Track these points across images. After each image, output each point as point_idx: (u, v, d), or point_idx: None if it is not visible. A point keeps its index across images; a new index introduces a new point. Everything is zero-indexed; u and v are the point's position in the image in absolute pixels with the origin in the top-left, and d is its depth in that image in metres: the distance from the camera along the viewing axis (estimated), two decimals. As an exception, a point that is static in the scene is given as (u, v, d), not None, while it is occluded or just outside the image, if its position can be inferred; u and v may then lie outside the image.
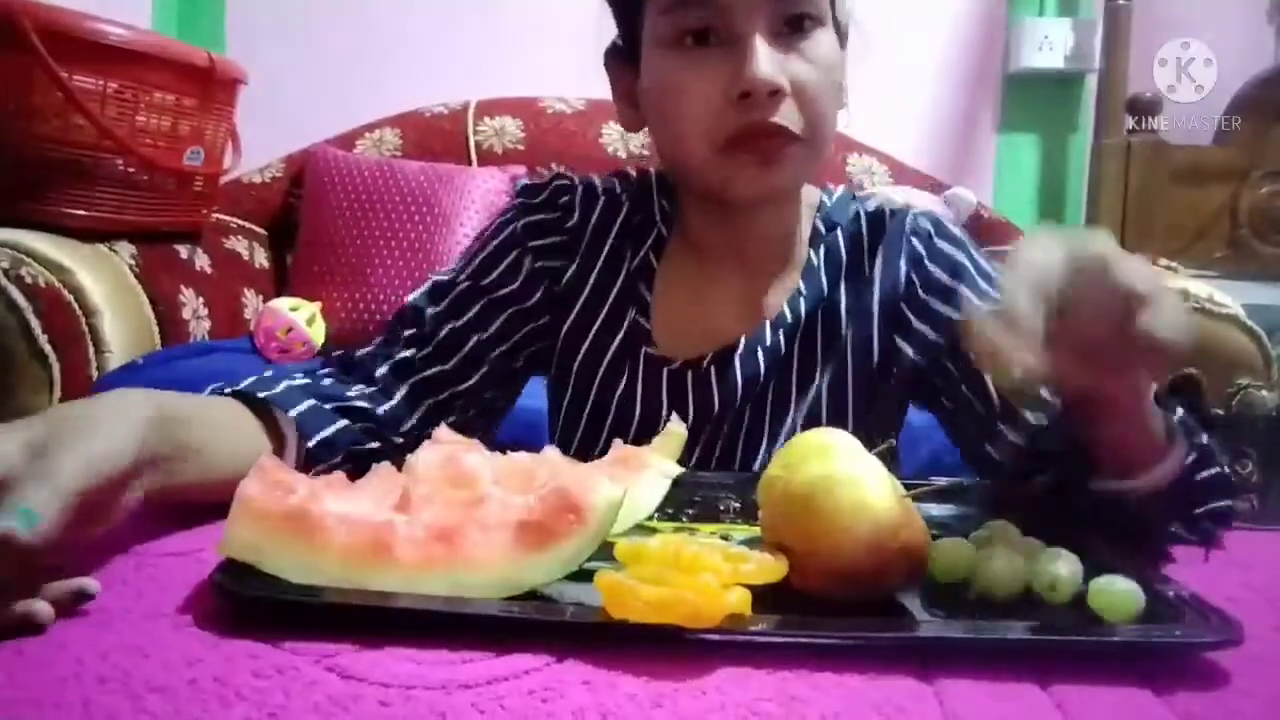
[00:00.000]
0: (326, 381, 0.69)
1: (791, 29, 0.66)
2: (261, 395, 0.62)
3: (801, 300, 0.76)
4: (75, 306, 1.45)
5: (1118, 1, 2.15)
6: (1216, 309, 1.42)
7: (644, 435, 0.71)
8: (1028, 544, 0.48)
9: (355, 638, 0.39)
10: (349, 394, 0.69)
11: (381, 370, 0.71)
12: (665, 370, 0.75)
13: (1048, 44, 2.31)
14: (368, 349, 0.73)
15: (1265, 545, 0.62)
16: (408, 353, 0.72)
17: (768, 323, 0.75)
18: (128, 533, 0.50)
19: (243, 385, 0.63)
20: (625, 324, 0.77)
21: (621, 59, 0.75)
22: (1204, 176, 2.14)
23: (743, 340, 0.75)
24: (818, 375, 0.76)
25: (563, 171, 0.81)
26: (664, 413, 0.74)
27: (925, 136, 2.38)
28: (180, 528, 0.52)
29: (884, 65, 2.36)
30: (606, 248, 0.77)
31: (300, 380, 0.67)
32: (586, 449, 0.77)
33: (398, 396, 0.70)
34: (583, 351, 0.77)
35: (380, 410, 0.69)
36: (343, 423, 0.65)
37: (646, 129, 0.74)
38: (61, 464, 0.41)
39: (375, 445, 0.67)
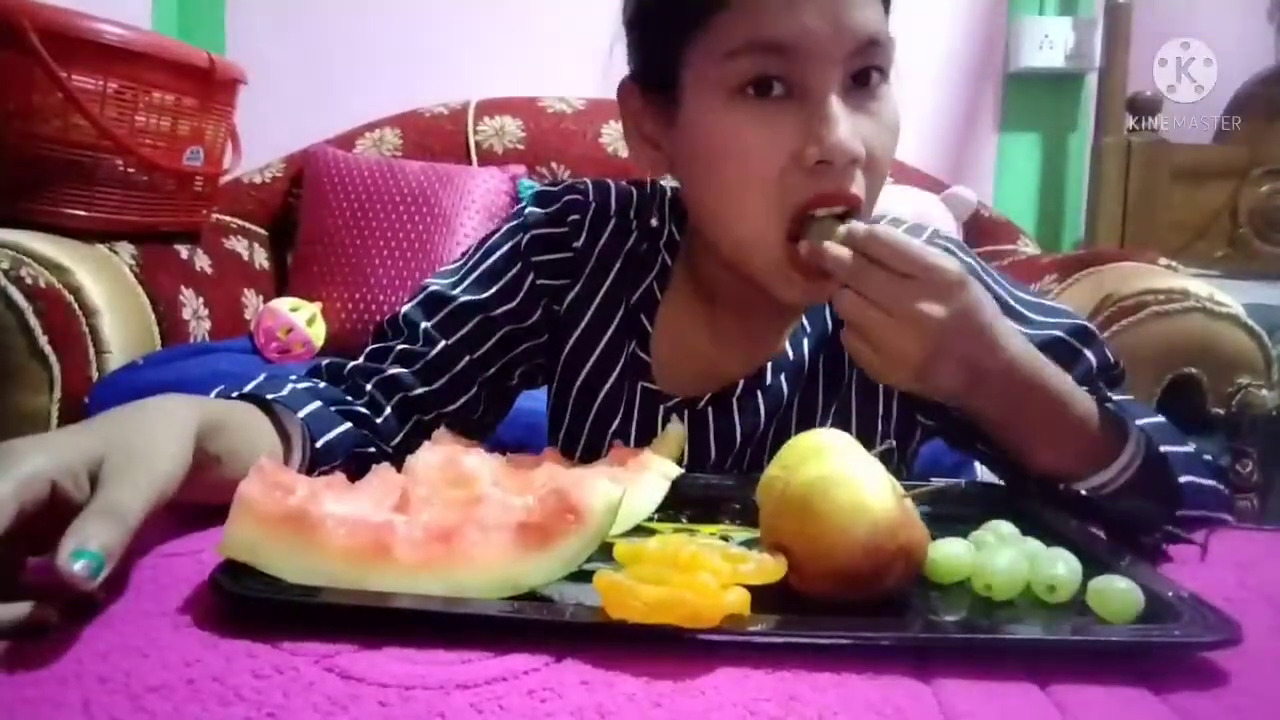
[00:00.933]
0: (322, 386, 0.69)
1: (858, 84, 0.61)
2: (270, 397, 0.62)
3: (805, 339, 0.74)
4: (75, 307, 1.45)
5: (1118, 0, 2.15)
6: (1217, 308, 1.42)
7: None
8: (1027, 544, 0.48)
9: (354, 638, 0.39)
10: (346, 398, 0.68)
11: (370, 385, 0.70)
12: (662, 407, 0.74)
13: (1048, 43, 2.30)
14: (357, 361, 0.72)
15: (1265, 545, 0.62)
16: (396, 370, 0.70)
17: (769, 364, 0.73)
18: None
19: (248, 388, 0.63)
20: (624, 355, 0.75)
21: (643, 93, 0.68)
22: (1204, 176, 2.14)
23: (741, 382, 0.73)
24: (818, 421, 0.74)
25: (576, 183, 0.77)
26: None
27: (925, 136, 2.38)
28: (180, 528, 0.52)
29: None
30: (611, 275, 0.75)
31: (303, 384, 0.67)
32: None
33: (385, 412, 0.69)
34: (581, 378, 0.76)
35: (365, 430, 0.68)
36: (346, 425, 0.65)
37: (682, 184, 0.69)
38: (124, 498, 0.40)
39: (373, 450, 0.68)
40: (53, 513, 0.40)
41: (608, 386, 0.75)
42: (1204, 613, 0.41)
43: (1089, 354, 0.69)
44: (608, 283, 0.75)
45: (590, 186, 0.77)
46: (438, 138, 2.21)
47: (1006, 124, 2.42)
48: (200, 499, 0.50)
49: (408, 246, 1.98)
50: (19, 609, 0.38)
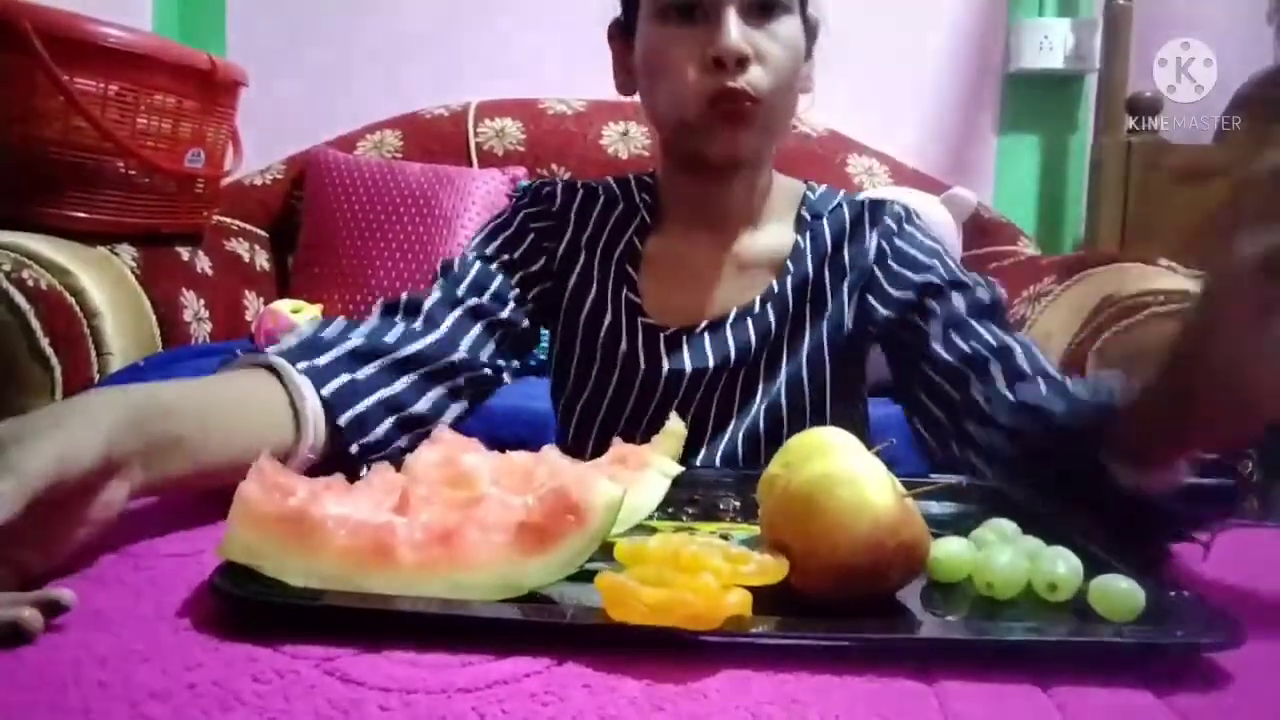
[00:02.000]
0: (360, 343, 0.72)
1: (763, 11, 0.77)
2: (300, 366, 0.65)
3: (789, 278, 0.86)
4: (77, 309, 1.45)
5: (1118, 1, 2.15)
6: (1217, 308, 1.41)
7: (645, 394, 0.85)
8: (1028, 544, 0.48)
9: (355, 641, 0.39)
10: (387, 339, 0.73)
11: (429, 304, 0.79)
12: (662, 336, 0.85)
13: (1048, 44, 2.30)
14: (412, 293, 0.81)
15: (1265, 545, 0.62)
16: (448, 288, 0.81)
17: (758, 298, 0.86)
18: (126, 535, 0.50)
19: (272, 351, 0.66)
20: (619, 299, 0.87)
21: (621, 32, 0.86)
22: (1204, 176, 2.13)
23: (734, 310, 0.85)
24: (802, 343, 0.85)
25: (544, 177, 0.89)
26: (663, 370, 0.84)
27: (925, 137, 2.37)
28: (179, 529, 0.52)
29: (884, 65, 2.36)
30: (589, 227, 0.89)
31: (328, 356, 0.69)
32: (590, 412, 0.87)
33: (446, 324, 0.78)
34: (582, 320, 0.87)
35: (427, 341, 0.75)
36: (379, 394, 0.69)
37: (638, 93, 0.85)
38: (24, 458, 0.41)
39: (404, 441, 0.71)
40: None
41: (607, 325, 0.86)
42: (1206, 613, 0.41)
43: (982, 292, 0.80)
44: (588, 233, 0.89)
45: (555, 183, 0.92)
46: (438, 139, 2.22)
47: (1006, 125, 2.42)
48: (167, 487, 0.51)
49: (409, 248, 1.98)
50: None
